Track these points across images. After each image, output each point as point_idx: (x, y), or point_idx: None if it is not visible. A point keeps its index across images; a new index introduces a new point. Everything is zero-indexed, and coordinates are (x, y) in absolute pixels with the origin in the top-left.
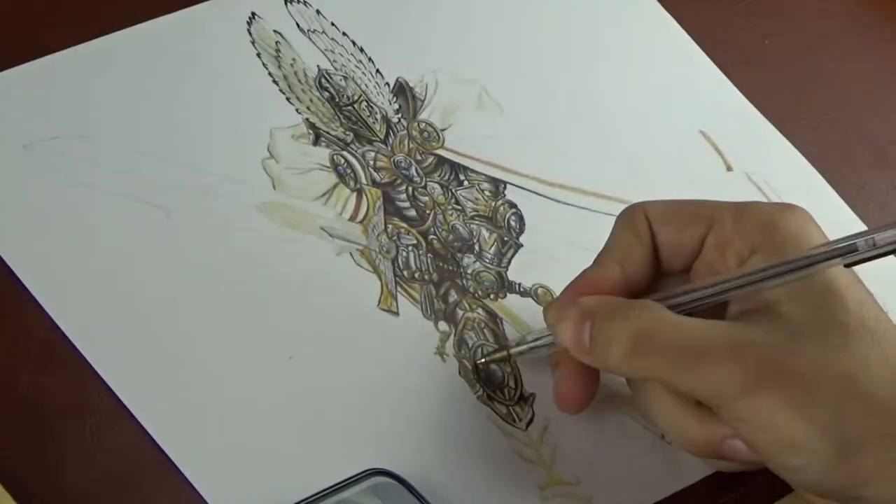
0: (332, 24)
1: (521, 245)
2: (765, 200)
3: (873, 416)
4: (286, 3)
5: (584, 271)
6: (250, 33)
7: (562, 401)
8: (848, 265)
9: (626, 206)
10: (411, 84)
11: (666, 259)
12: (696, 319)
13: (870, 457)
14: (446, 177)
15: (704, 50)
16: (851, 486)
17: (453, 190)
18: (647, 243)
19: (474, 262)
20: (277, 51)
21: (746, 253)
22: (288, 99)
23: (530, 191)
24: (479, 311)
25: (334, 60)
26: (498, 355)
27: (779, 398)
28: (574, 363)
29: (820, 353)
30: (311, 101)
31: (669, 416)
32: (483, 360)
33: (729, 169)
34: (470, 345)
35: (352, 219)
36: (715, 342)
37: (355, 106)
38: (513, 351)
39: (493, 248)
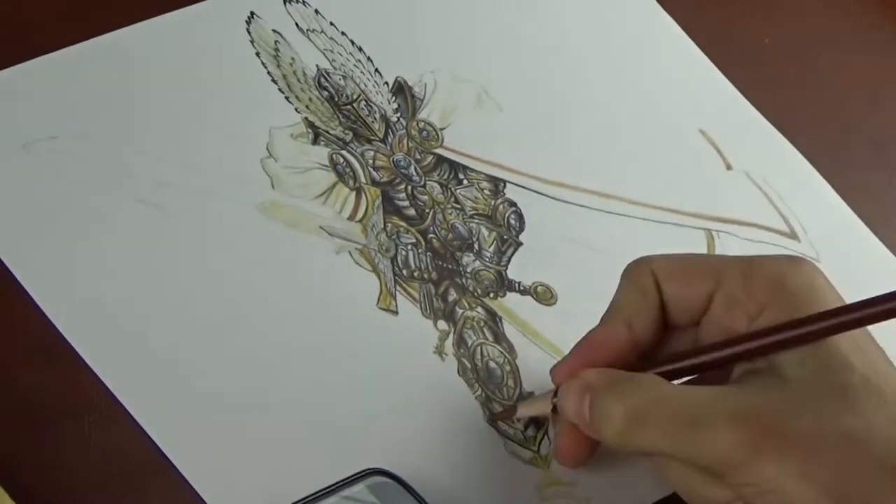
0: (331, 23)
1: (521, 243)
2: (767, 204)
3: (878, 477)
4: (285, 3)
5: (591, 332)
6: (249, 33)
7: (561, 456)
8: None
9: (631, 261)
10: (410, 83)
11: (673, 314)
12: (693, 388)
13: None
14: (445, 176)
15: (704, 49)
16: None
17: (453, 189)
18: (653, 300)
19: (474, 260)
20: (276, 50)
21: (755, 311)
22: (287, 98)
23: (530, 189)
24: (479, 309)
25: (333, 60)
26: (506, 414)
27: (783, 462)
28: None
29: (823, 415)
30: (310, 100)
31: (678, 479)
32: (489, 421)
33: (729, 168)
34: (469, 344)
35: (351, 218)
36: (715, 410)
37: (354, 105)
38: (520, 413)
39: (492, 247)
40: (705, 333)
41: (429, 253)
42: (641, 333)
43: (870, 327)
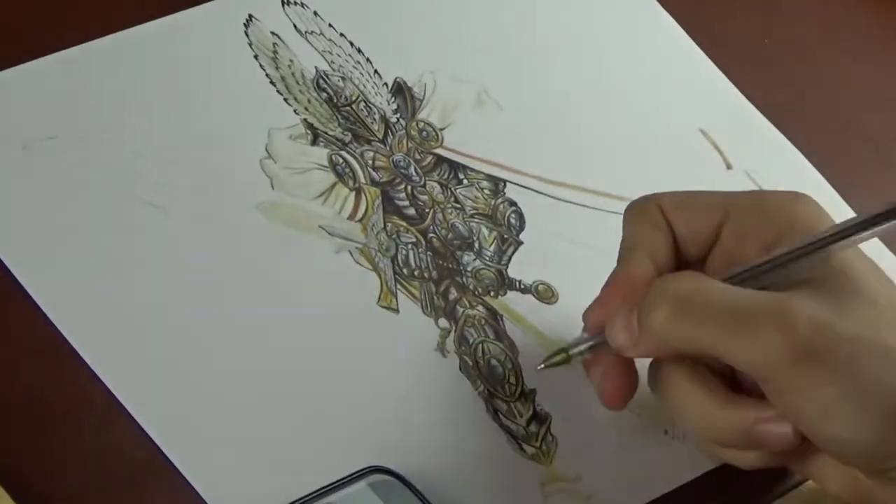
0: (330, 25)
1: (522, 243)
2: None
3: None
4: (283, 5)
5: (616, 271)
6: (248, 35)
7: (608, 398)
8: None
9: (633, 200)
10: (410, 84)
11: (683, 249)
12: (737, 287)
13: None
14: (445, 176)
15: (704, 49)
16: (893, 455)
17: (452, 189)
18: (667, 233)
19: (474, 259)
20: (275, 52)
21: (770, 240)
22: (286, 100)
23: (530, 189)
24: (480, 307)
25: (332, 61)
26: (557, 358)
27: (828, 367)
28: (612, 360)
29: (862, 324)
30: (308, 101)
31: (698, 404)
32: (541, 366)
33: (729, 167)
34: (470, 342)
35: (351, 217)
36: (762, 306)
37: (353, 106)
38: (572, 352)
39: (492, 246)
40: (713, 265)
41: (429, 252)
42: (663, 266)
43: None
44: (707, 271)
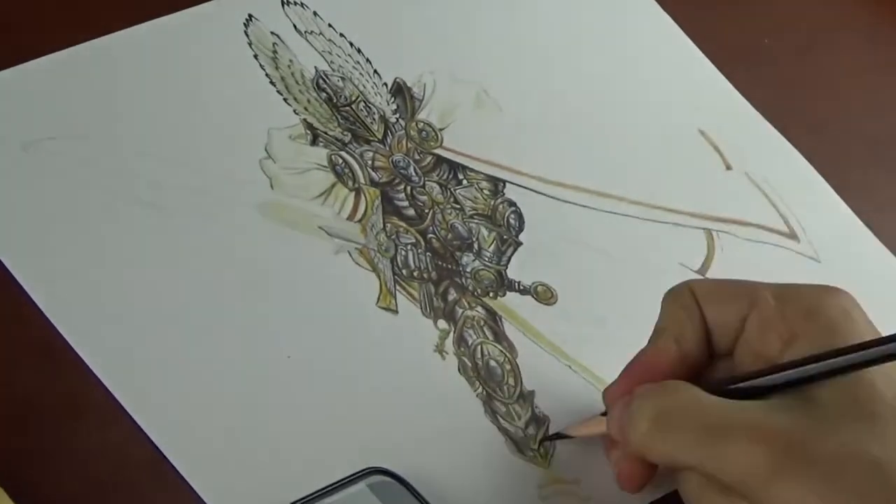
0: (330, 25)
1: (521, 243)
2: (767, 204)
3: None
4: (283, 5)
5: (641, 352)
6: (247, 35)
7: (622, 481)
8: None
9: (673, 286)
10: (409, 84)
11: (714, 336)
12: (722, 399)
13: None
14: (445, 176)
15: (703, 49)
16: None
17: (452, 189)
18: (697, 317)
19: (473, 260)
20: (274, 52)
21: (787, 336)
22: (285, 100)
23: (530, 189)
24: (479, 308)
25: (332, 61)
26: (556, 437)
27: (807, 483)
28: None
29: (849, 440)
30: (308, 101)
31: (701, 498)
32: (541, 441)
33: (728, 168)
34: (469, 343)
35: (350, 218)
36: (740, 423)
37: (353, 107)
38: (573, 434)
39: (492, 247)
40: (739, 358)
41: (428, 253)
42: (690, 351)
43: None
44: (735, 365)
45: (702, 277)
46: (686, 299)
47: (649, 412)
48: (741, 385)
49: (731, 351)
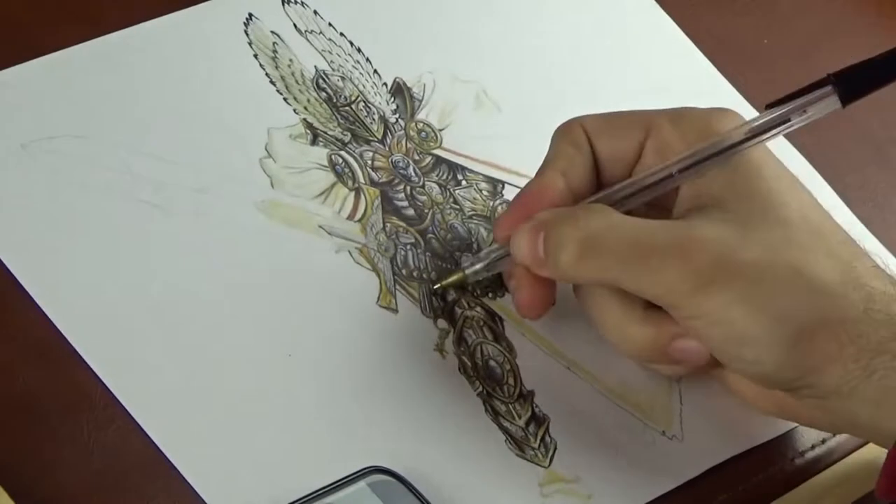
0: (330, 24)
1: None
2: None
3: (823, 305)
4: (283, 4)
5: (528, 184)
6: (247, 34)
7: (523, 309)
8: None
9: (561, 122)
10: (409, 84)
11: (606, 169)
12: (643, 220)
13: (821, 344)
14: (444, 176)
15: (702, 50)
16: (802, 374)
17: (451, 190)
18: (586, 153)
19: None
20: (274, 52)
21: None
22: (285, 99)
23: None
24: (478, 309)
25: (332, 61)
26: (454, 278)
27: (731, 292)
28: (528, 272)
29: (768, 247)
30: (308, 101)
31: (616, 320)
32: (438, 286)
33: None
34: (469, 342)
35: (350, 217)
36: (664, 240)
37: (353, 106)
38: (468, 272)
39: None
40: None
41: (428, 253)
42: (576, 185)
43: None
44: None
45: (593, 113)
46: (575, 135)
47: (574, 239)
48: (633, 189)
49: (625, 177)
